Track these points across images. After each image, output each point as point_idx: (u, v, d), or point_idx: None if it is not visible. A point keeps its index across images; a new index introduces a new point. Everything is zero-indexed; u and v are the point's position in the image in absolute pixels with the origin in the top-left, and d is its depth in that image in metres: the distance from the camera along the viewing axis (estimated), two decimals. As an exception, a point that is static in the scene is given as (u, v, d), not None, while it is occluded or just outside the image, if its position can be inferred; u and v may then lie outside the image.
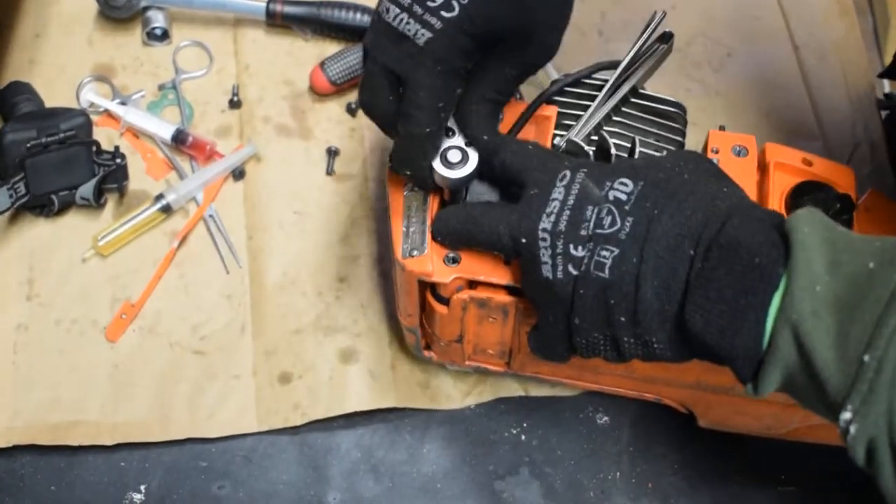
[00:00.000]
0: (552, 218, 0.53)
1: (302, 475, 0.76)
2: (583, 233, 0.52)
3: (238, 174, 0.86)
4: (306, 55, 0.92)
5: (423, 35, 0.55)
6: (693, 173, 0.54)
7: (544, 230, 0.53)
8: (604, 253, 0.51)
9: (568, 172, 0.55)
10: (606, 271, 0.51)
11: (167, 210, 0.83)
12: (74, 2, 0.94)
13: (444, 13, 0.55)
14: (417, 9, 0.55)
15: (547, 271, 0.53)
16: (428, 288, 0.65)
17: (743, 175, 0.65)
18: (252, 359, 0.79)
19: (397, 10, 0.56)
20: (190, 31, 0.94)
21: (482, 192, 0.63)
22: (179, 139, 0.86)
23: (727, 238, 0.49)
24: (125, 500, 0.74)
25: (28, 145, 0.80)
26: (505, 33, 0.58)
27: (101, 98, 0.89)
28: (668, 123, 0.70)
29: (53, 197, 0.81)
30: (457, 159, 0.61)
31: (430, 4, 0.55)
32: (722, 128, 0.69)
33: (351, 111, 0.90)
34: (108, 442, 0.75)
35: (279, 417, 0.76)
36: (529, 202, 0.55)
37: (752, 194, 0.65)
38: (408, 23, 0.56)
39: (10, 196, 0.78)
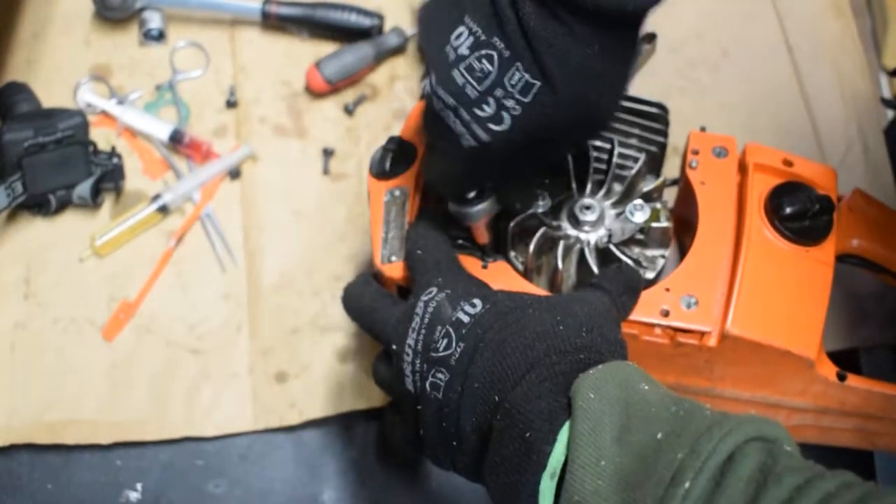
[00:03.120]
0: (413, 335, 0.53)
1: (298, 474, 0.76)
2: (432, 354, 0.52)
3: (235, 174, 0.87)
4: (302, 55, 0.93)
5: (468, 140, 0.54)
6: (540, 308, 0.51)
7: (409, 346, 0.53)
8: (439, 375, 0.51)
9: (434, 290, 0.54)
10: (441, 393, 0.51)
11: (164, 210, 0.83)
12: (71, 2, 0.94)
13: (492, 125, 0.53)
14: (464, 114, 0.54)
15: (409, 384, 0.53)
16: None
17: (723, 176, 0.65)
18: (248, 358, 0.79)
19: (455, 115, 0.54)
20: (186, 32, 0.94)
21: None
22: (176, 139, 0.87)
23: (511, 402, 0.47)
24: (122, 498, 0.74)
25: (25, 145, 0.80)
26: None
27: (98, 98, 0.89)
28: (650, 124, 0.70)
29: (51, 196, 0.82)
30: (471, 194, 0.60)
31: (480, 114, 0.53)
32: (703, 129, 0.69)
33: (348, 111, 0.90)
34: (105, 441, 0.75)
35: (275, 416, 0.77)
36: (406, 312, 0.55)
37: (733, 196, 0.64)
38: (462, 124, 0.54)
39: (8, 195, 0.79)
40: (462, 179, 0.58)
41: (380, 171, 0.66)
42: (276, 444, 0.77)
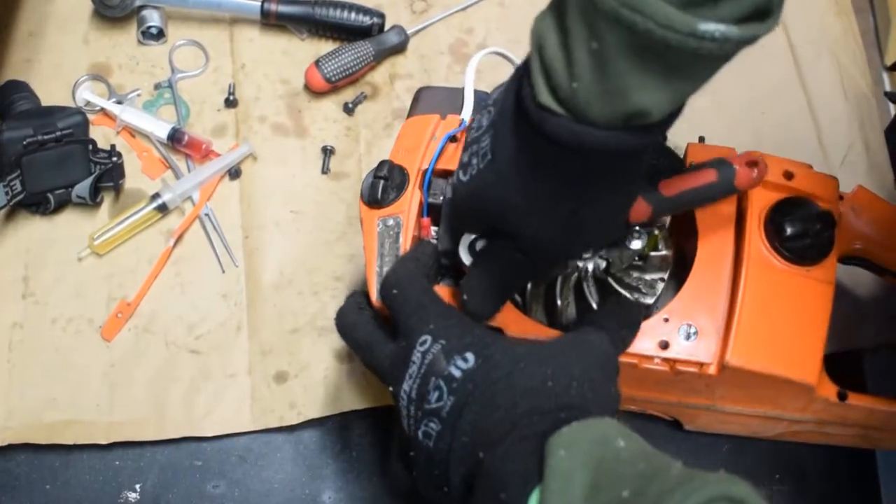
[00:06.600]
0: (409, 382, 0.53)
1: (297, 474, 0.76)
2: (425, 405, 0.52)
3: (234, 173, 0.86)
4: (302, 54, 0.92)
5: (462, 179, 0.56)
6: (532, 362, 0.51)
7: (405, 391, 0.54)
8: (431, 425, 0.52)
9: (428, 339, 0.54)
10: (432, 442, 0.52)
11: (163, 209, 0.83)
12: (70, 1, 0.94)
13: (461, 174, 0.55)
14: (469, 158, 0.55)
15: (406, 425, 0.54)
16: None
17: None
18: (247, 358, 0.79)
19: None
20: (186, 30, 0.93)
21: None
22: (175, 138, 0.86)
23: (489, 462, 0.47)
24: (120, 499, 0.74)
25: (24, 143, 0.80)
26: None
27: (97, 97, 0.89)
28: None
29: (49, 195, 0.81)
30: (480, 246, 0.59)
31: (463, 159, 0.55)
32: (701, 139, 0.68)
33: (347, 110, 0.90)
34: (104, 441, 0.75)
35: (274, 416, 0.76)
36: (399, 355, 0.55)
37: (731, 211, 0.63)
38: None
39: (6, 194, 0.78)
40: (451, 220, 0.60)
41: (371, 200, 0.65)
42: (276, 445, 0.77)
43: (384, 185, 0.64)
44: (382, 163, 0.65)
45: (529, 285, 0.63)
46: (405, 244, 0.63)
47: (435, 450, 0.51)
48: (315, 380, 0.78)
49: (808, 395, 0.61)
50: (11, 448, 0.75)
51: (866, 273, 0.72)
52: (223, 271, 0.82)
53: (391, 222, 0.64)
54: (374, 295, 0.62)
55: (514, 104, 0.49)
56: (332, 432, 0.77)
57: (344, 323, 0.61)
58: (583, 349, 0.52)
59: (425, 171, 0.65)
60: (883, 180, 0.88)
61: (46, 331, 0.79)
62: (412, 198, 0.64)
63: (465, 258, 0.59)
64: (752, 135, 0.90)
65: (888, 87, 0.95)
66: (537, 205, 0.51)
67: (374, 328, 0.59)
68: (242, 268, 0.83)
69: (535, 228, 0.52)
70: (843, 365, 0.64)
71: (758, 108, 0.92)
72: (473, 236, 0.59)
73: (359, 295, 0.63)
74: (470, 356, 0.52)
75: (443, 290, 0.59)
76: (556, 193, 0.50)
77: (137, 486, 0.74)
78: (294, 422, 0.76)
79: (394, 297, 0.57)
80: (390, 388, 0.55)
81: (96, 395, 0.77)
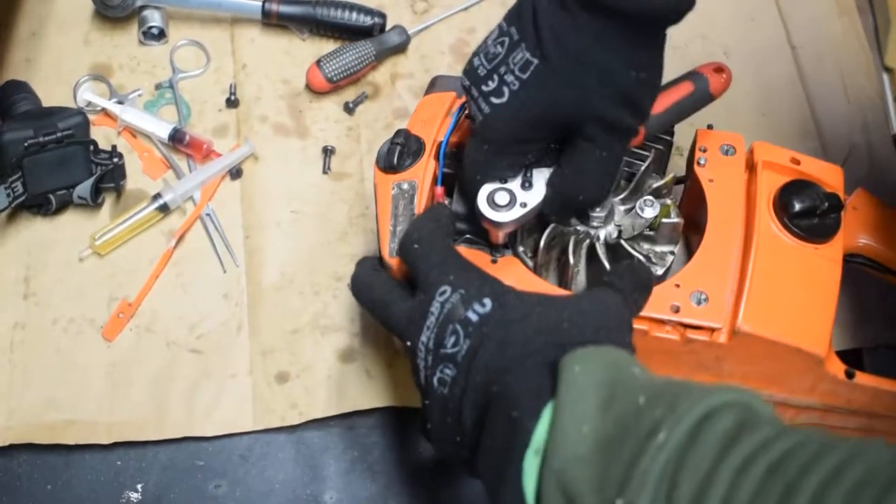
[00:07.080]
0: (427, 332, 0.54)
1: (298, 474, 0.76)
2: (441, 350, 0.53)
3: (235, 173, 0.86)
4: (303, 54, 0.93)
5: (477, 115, 0.60)
6: (548, 306, 0.52)
7: (422, 342, 0.54)
8: (447, 371, 0.52)
9: (448, 289, 0.54)
10: (447, 388, 0.52)
11: (164, 209, 0.83)
12: (70, 1, 0.94)
13: (493, 99, 0.58)
14: (474, 91, 0.59)
15: (421, 378, 0.54)
16: None
17: (731, 174, 0.65)
18: (249, 358, 0.79)
19: (469, 95, 0.60)
20: (187, 31, 0.94)
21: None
22: (177, 138, 0.86)
23: (501, 386, 0.48)
24: (122, 498, 0.74)
25: (25, 144, 0.79)
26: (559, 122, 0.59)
27: (98, 97, 0.89)
28: None
29: (51, 196, 0.81)
30: (504, 202, 0.60)
31: (485, 89, 0.58)
32: (710, 126, 0.69)
33: (348, 109, 0.90)
34: (105, 441, 0.75)
35: (276, 416, 0.76)
36: (417, 308, 0.56)
37: (741, 193, 0.64)
38: (474, 102, 0.60)
39: (8, 195, 0.78)
40: (481, 164, 0.61)
41: (387, 165, 0.66)
42: (277, 445, 0.77)
43: (400, 150, 0.66)
44: (399, 131, 0.67)
45: (541, 248, 0.63)
46: (419, 207, 0.64)
47: (450, 395, 0.52)
48: (316, 380, 0.78)
49: (817, 370, 0.62)
50: (13, 448, 0.74)
51: (867, 273, 0.72)
52: (224, 271, 0.82)
53: (406, 186, 0.65)
54: (387, 252, 0.63)
55: (553, 9, 0.54)
56: (334, 432, 0.77)
57: (360, 284, 0.62)
58: (598, 304, 0.53)
59: (440, 143, 0.66)
60: (885, 180, 0.88)
61: (48, 331, 0.79)
62: (427, 166, 0.66)
63: (485, 210, 0.60)
64: (753, 136, 0.90)
65: (888, 88, 0.95)
66: (611, 80, 0.56)
67: (391, 286, 0.60)
68: (243, 268, 0.83)
69: (613, 105, 0.57)
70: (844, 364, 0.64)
71: (759, 109, 0.92)
72: (492, 188, 0.60)
73: (372, 259, 0.64)
74: (487, 301, 0.53)
75: (461, 250, 0.60)
76: (627, 64, 0.56)
77: (139, 486, 0.74)
78: (295, 422, 0.76)
79: (415, 251, 0.58)
80: (408, 343, 0.55)
81: (98, 395, 0.77)
